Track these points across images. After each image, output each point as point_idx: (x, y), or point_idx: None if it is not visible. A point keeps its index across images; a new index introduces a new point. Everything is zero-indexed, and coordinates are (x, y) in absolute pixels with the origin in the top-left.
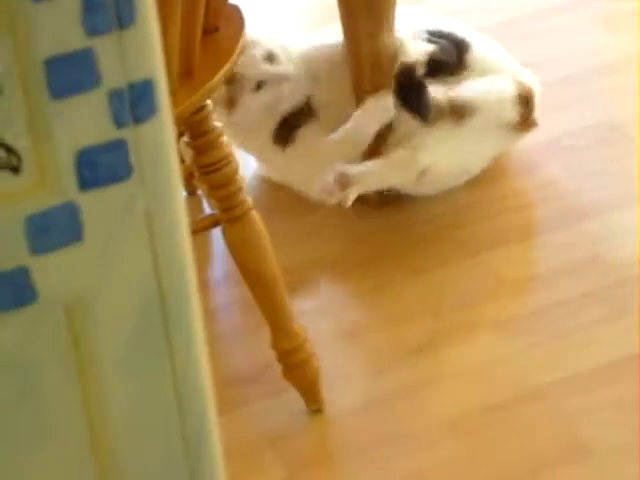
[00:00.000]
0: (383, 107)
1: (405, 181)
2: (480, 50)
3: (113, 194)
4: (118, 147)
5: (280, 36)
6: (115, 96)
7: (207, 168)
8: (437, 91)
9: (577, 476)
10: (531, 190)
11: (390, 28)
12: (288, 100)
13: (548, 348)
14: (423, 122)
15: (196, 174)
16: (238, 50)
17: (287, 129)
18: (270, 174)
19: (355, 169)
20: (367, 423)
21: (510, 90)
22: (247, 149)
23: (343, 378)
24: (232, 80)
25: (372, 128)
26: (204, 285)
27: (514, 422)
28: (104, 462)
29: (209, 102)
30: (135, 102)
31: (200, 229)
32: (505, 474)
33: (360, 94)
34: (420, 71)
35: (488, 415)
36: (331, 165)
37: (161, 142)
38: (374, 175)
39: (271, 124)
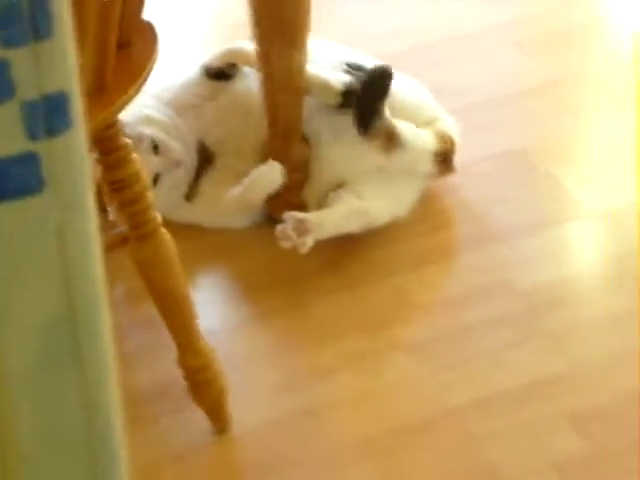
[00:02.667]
0: (270, 178)
1: (356, 228)
2: (400, 92)
3: (23, 208)
4: (30, 160)
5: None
6: (29, 108)
7: (117, 184)
8: (348, 135)
9: None
10: (445, 213)
11: (303, 48)
12: (186, 175)
13: (458, 371)
14: (360, 132)
15: (105, 191)
16: (151, 65)
17: (191, 185)
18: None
19: (313, 217)
20: (274, 444)
21: (430, 144)
22: None
23: (251, 398)
24: None
25: (260, 196)
26: (109, 302)
27: (423, 444)
28: (9, 467)
29: (119, 119)
30: (49, 115)
31: (109, 246)
32: None
33: (271, 119)
34: (337, 100)
35: (399, 437)
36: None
37: (75, 156)
38: (330, 224)
39: (179, 196)
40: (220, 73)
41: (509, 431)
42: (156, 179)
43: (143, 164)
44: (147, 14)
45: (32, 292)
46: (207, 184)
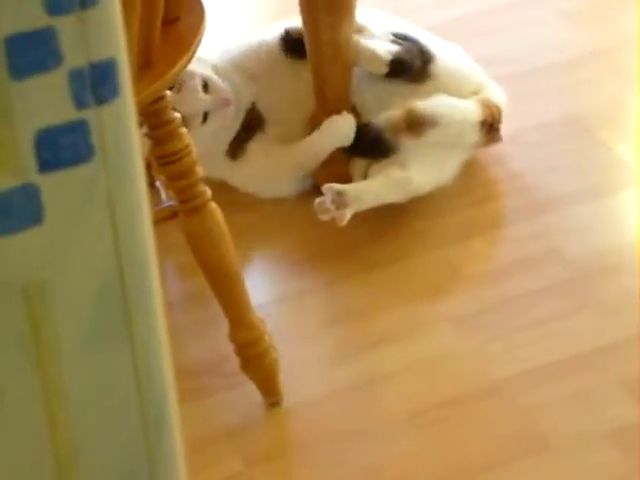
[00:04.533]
0: (345, 130)
1: (397, 199)
2: (445, 61)
3: (74, 176)
4: (79, 128)
5: (212, 52)
6: (76, 76)
7: (166, 159)
8: (395, 104)
9: (535, 468)
10: (492, 184)
11: (351, 21)
12: (235, 119)
13: (506, 342)
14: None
15: (155, 165)
16: (198, 40)
17: (237, 142)
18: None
19: (352, 189)
20: (325, 416)
21: (474, 115)
22: None
23: (302, 371)
24: None
25: (326, 150)
26: (161, 277)
27: (472, 416)
28: (62, 446)
29: (168, 92)
30: (97, 83)
31: (159, 220)
32: (463, 467)
33: (319, 92)
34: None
35: (446, 409)
36: (285, 177)
37: (123, 124)
38: (370, 195)
39: (223, 145)
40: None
41: (561, 401)
42: (205, 117)
43: (189, 103)
44: None
45: (84, 260)
46: (255, 148)
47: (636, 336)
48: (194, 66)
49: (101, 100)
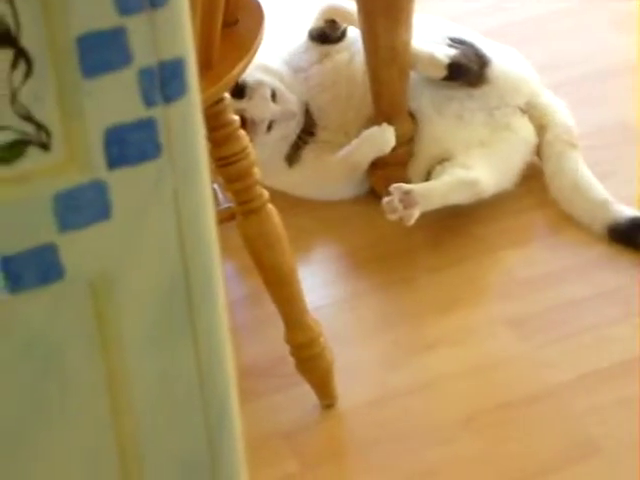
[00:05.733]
0: (382, 140)
1: (463, 200)
2: (502, 65)
3: (142, 173)
4: (148, 126)
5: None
6: (146, 75)
7: (224, 160)
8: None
9: (586, 473)
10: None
11: (408, 25)
12: (296, 129)
13: (561, 347)
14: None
15: (213, 167)
16: (258, 43)
17: (293, 149)
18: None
19: (419, 189)
20: (380, 418)
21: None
22: None
23: (357, 373)
24: (244, 124)
25: (368, 157)
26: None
27: (526, 420)
28: (125, 441)
29: (227, 95)
30: (165, 81)
31: (217, 222)
32: (517, 472)
33: (376, 95)
34: (443, 73)
35: (501, 413)
36: (338, 183)
37: (190, 122)
38: (437, 195)
39: (282, 153)
40: (323, 35)
41: (612, 407)
42: (270, 126)
43: (258, 109)
44: None
45: (150, 256)
46: (309, 155)
47: None
48: (263, 75)
49: (169, 98)
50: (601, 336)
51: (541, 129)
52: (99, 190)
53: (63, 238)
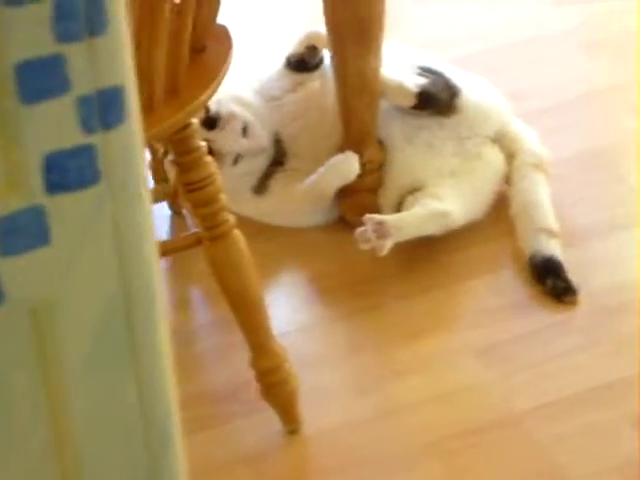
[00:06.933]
0: (346, 168)
1: (435, 231)
2: (472, 94)
3: (81, 198)
4: (86, 152)
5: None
6: (84, 102)
7: (191, 186)
8: (421, 138)
9: None
10: None
11: (378, 53)
12: (264, 162)
13: (526, 375)
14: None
15: (180, 192)
16: (225, 70)
17: (262, 180)
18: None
19: (392, 220)
20: (345, 444)
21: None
22: None
23: (323, 399)
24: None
25: (333, 186)
26: (185, 303)
27: (492, 447)
28: (66, 463)
29: (194, 121)
30: (104, 109)
31: (183, 247)
32: None
33: (345, 123)
34: (412, 102)
35: (467, 439)
36: (306, 211)
37: (130, 149)
38: (410, 227)
39: (249, 185)
40: (301, 63)
41: (576, 434)
42: (236, 160)
43: (226, 142)
44: (222, 18)
45: (89, 280)
46: (277, 184)
47: None
48: (236, 107)
49: (108, 126)
50: (567, 364)
51: (510, 157)
52: (37, 215)
53: (2, 263)
